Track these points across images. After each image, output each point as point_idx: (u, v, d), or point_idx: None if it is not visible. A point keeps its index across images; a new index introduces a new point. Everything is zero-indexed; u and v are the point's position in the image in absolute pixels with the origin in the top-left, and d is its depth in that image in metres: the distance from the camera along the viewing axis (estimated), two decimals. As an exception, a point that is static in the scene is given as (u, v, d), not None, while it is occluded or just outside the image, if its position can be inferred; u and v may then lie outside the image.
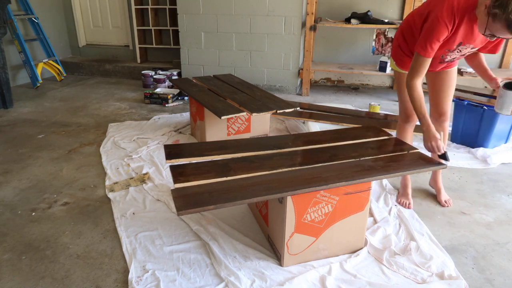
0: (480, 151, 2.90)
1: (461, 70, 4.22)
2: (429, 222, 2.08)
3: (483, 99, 3.06)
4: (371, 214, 2.11)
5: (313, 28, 4.30)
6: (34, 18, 4.92)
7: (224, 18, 4.47)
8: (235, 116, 2.72)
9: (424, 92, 1.93)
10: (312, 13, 4.22)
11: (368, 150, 1.91)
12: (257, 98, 2.94)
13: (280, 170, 1.67)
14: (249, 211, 2.15)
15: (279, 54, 4.48)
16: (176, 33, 4.91)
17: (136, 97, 4.46)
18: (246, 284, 1.61)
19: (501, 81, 1.97)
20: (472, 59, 2.02)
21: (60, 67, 5.18)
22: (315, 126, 3.20)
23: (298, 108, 3.11)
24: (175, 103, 4.19)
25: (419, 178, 2.57)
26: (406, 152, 1.89)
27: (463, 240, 1.95)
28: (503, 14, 1.50)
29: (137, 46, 5.33)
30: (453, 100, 3.09)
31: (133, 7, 5.11)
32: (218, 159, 1.81)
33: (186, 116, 3.75)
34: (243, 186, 1.55)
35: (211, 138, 2.97)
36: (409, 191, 2.29)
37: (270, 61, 4.54)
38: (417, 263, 1.73)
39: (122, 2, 5.40)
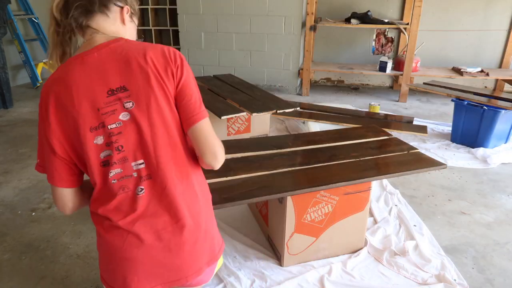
0: (480, 151, 2.90)
1: (461, 70, 4.23)
2: (429, 222, 2.08)
3: (483, 99, 3.06)
4: (371, 214, 2.11)
5: (313, 28, 4.30)
6: (34, 18, 4.92)
7: (224, 18, 4.47)
8: (235, 116, 2.71)
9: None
10: (312, 13, 4.22)
11: (368, 150, 1.90)
12: (257, 98, 2.94)
13: (280, 170, 1.67)
14: (249, 211, 2.15)
15: (279, 54, 4.48)
16: (176, 33, 4.91)
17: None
18: (246, 284, 1.61)
19: None
20: None
21: (60, 67, 5.17)
22: (315, 126, 3.20)
23: (298, 108, 3.10)
24: (175, 103, 4.19)
25: (419, 178, 2.56)
26: (406, 152, 1.89)
27: (463, 240, 1.95)
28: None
29: (137, 46, 5.33)
30: (453, 100, 3.11)
31: (133, 7, 5.11)
32: (218, 159, 1.81)
33: (186, 116, 3.74)
34: (243, 186, 1.55)
35: (211, 138, 2.96)
36: None
37: (270, 61, 4.54)
38: (417, 264, 1.73)
39: (122, 2, 5.40)
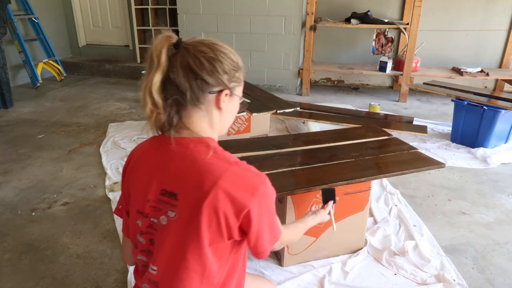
0: (480, 151, 2.90)
1: (461, 70, 4.23)
2: (429, 222, 2.08)
3: (483, 99, 3.06)
4: (371, 214, 2.11)
5: (313, 28, 4.30)
6: (34, 18, 4.91)
7: (224, 18, 4.47)
8: (235, 116, 2.71)
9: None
10: (312, 13, 4.22)
11: (368, 150, 1.90)
12: (257, 98, 2.94)
13: (280, 170, 1.67)
14: (249, 211, 2.15)
15: (279, 54, 4.48)
16: (176, 33, 4.88)
17: (136, 97, 4.45)
18: (246, 284, 1.61)
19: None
20: None
21: (60, 67, 5.17)
22: (315, 126, 3.20)
23: (298, 108, 3.10)
24: (175, 103, 4.18)
25: (419, 177, 2.56)
26: (406, 152, 1.89)
27: (463, 240, 1.95)
28: None
29: (137, 46, 5.33)
30: (453, 100, 3.11)
31: (133, 7, 5.11)
32: (218, 159, 1.81)
33: (186, 116, 3.74)
34: (243, 186, 1.54)
35: (211, 138, 2.96)
36: None
37: (270, 61, 4.54)
38: (417, 264, 1.73)
39: (122, 2, 5.40)
